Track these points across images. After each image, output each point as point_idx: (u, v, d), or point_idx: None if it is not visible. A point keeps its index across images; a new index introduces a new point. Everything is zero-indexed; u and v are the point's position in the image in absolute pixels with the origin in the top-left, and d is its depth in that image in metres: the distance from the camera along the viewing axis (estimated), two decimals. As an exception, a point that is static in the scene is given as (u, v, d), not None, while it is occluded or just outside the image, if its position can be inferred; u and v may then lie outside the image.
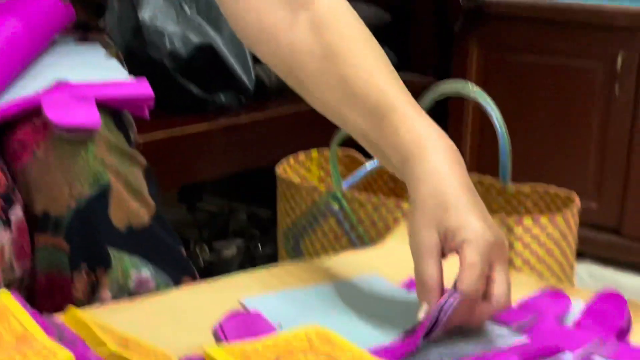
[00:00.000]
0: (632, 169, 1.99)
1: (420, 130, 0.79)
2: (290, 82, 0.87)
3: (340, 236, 1.32)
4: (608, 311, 0.82)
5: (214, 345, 0.60)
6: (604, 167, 2.02)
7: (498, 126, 1.32)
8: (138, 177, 0.88)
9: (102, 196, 0.84)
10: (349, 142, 1.82)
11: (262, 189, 1.83)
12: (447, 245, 0.77)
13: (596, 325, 0.81)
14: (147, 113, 0.92)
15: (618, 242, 2.01)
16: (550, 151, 2.09)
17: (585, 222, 2.06)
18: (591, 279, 2.01)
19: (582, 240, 2.06)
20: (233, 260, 1.81)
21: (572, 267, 1.28)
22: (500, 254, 0.77)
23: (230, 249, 1.80)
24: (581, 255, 2.09)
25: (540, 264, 1.20)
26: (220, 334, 0.62)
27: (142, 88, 0.90)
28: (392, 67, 0.85)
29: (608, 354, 0.77)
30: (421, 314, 0.76)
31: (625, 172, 1.99)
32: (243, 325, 0.63)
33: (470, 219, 0.76)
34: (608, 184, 2.02)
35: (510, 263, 1.17)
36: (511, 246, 1.19)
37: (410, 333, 0.77)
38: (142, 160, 0.90)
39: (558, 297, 0.86)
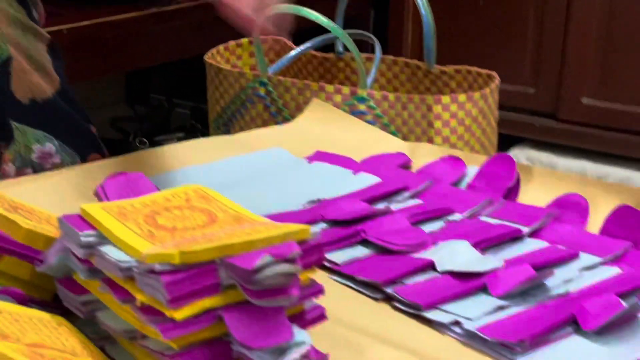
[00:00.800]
0: (567, 54, 2.00)
1: None
2: None
3: (267, 120, 1.33)
4: (498, 173, 0.85)
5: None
6: (541, 52, 2.04)
7: (422, 8, 1.33)
8: (41, 51, 0.88)
9: (3, 68, 0.85)
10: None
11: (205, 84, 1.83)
12: None
13: (486, 187, 0.84)
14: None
15: (554, 126, 2.04)
16: (489, 38, 2.10)
17: (523, 107, 2.09)
18: (529, 162, 2.04)
19: (520, 125, 2.10)
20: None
21: (493, 145, 1.31)
22: None
23: (170, 142, 1.81)
24: (520, 140, 2.12)
25: (460, 141, 1.22)
26: (102, 194, 0.64)
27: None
28: None
29: (493, 212, 0.80)
30: None
31: (561, 57, 2.01)
32: (125, 185, 0.65)
33: None
34: (545, 69, 2.04)
35: (430, 141, 1.19)
36: (431, 124, 1.21)
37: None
38: (46, 35, 0.90)
39: (455, 163, 0.89)
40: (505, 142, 2.10)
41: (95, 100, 2.22)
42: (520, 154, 2.07)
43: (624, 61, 1.95)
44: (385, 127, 1.20)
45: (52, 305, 0.62)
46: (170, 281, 0.51)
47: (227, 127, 1.41)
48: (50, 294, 0.62)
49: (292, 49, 1.50)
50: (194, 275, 0.53)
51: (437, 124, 1.22)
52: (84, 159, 0.89)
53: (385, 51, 2.18)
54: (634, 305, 0.61)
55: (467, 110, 1.22)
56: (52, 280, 0.61)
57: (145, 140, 1.82)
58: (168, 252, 0.53)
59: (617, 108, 1.95)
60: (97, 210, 0.59)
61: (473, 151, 1.25)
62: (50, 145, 0.87)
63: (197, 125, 1.93)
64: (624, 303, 0.62)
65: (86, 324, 0.60)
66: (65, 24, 1.40)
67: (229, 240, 0.54)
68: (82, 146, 0.90)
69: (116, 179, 0.65)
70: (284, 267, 0.53)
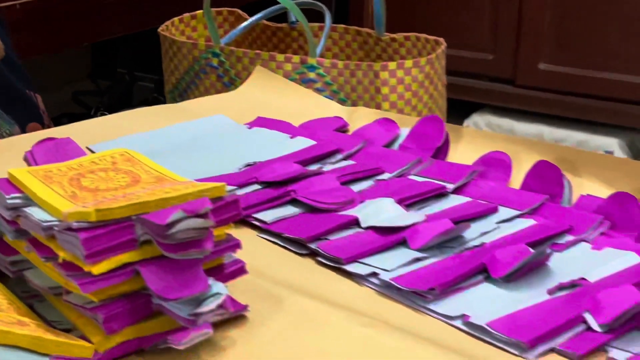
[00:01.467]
0: (524, 21, 2.03)
1: None
2: None
3: (221, 90, 1.35)
4: (428, 134, 0.87)
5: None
6: (498, 20, 2.07)
7: (371, -24, 1.35)
8: (-14, 19, 0.89)
9: None
10: (236, 2, 1.83)
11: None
12: None
13: (417, 147, 0.87)
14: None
15: (513, 92, 2.07)
16: (448, 7, 2.12)
17: (482, 74, 2.12)
18: (488, 128, 2.07)
19: (479, 92, 2.13)
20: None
21: (441, 109, 1.33)
22: None
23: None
24: (480, 106, 2.15)
25: (407, 107, 1.25)
26: (30, 159, 0.67)
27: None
28: None
29: (421, 171, 0.83)
30: None
31: (517, 24, 2.04)
32: (53, 149, 0.67)
33: None
34: (502, 36, 2.07)
35: (378, 107, 1.22)
36: (378, 90, 1.24)
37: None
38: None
39: (388, 125, 0.92)
40: (466, 108, 2.13)
41: (62, 75, 2.24)
42: (480, 120, 2.10)
43: (579, 27, 1.98)
44: (334, 94, 1.23)
45: (-15, 267, 0.64)
46: (87, 237, 0.54)
47: (183, 98, 1.43)
48: (-17, 256, 0.65)
49: (246, 19, 1.52)
50: (111, 231, 0.55)
51: (385, 90, 1.24)
52: (23, 128, 0.91)
53: (346, 21, 2.21)
54: (540, 253, 0.64)
55: (413, 76, 1.25)
56: (-16, 242, 0.63)
57: (107, 113, 1.83)
58: (85, 210, 0.55)
59: (573, 72, 1.98)
60: (23, 174, 0.61)
61: (420, 116, 1.27)
62: None
63: (160, 98, 1.95)
64: (532, 251, 0.65)
65: (17, 283, 0.62)
66: (20, -1, 1.41)
67: (145, 198, 0.57)
68: (22, 115, 0.91)
69: (44, 144, 0.67)
70: (196, 222, 0.55)
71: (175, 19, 1.52)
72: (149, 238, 0.56)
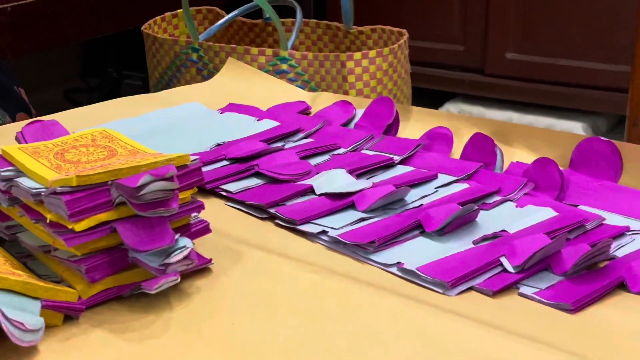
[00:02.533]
0: (491, 13, 2.13)
1: None
2: None
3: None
4: (379, 113, 0.97)
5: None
6: (467, 13, 2.16)
7: (338, -27, 1.44)
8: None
9: None
10: (215, 0, 1.92)
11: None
12: None
13: (370, 125, 0.97)
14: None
15: (482, 80, 2.17)
16: (419, 1, 2.21)
17: (454, 64, 2.21)
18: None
19: (451, 82, 2.22)
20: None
21: (406, 95, 1.43)
22: None
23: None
24: (452, 95, 2.25)
25: (373, 94, 1.34)
26: (20, 138, 0.76)
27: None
28: None
29: (373, 146, 0.92)
30: None
31: (485, 16, 2.13)
32: (41, 130, 0.76)
33: None
34: (471, 28, 2.16)
35: (346, 94, 1.31)
36: (345, 79, 1.33)
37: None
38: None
39: (345, 106, 1.01)
40: (439, 97, 2.22)
41: (54, 75, 2.33)
42: (452, 108, 2.20)
43: (543, 17, 2.08)
44: (306, 83, 1.32)
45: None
46: (70, 199, 0.63)
47: (165, 91, 1.53)
48: (-18, 223, 0.74)
49: (224, 17, 1.61)
50: (90, 194, 0.64)
51: (351, 79, 1.34)
52: (13, 118, 1.00)
53: (324, 17, 2.31)
54: (468, 208, 0.74)
55: (377, 65, 1.34)
56: (-18, 211, 0.73)
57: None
58: (68, 177, 0.64)
59: (538, 61, 2.08)
60: (14, 150, 0.71)
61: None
62: None
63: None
64: (460, 207, 0.74)
65: (12, 246, 0.72)
66: (9, 2, 1.50)
67: (119, 166, 0.66)
68: (11, 106, 1.00)
69: (33, 125, 0.76)
70: (163, 184, 0.64)
71: (158, 17, 1.62)
72: (123, 200, 0.65)
